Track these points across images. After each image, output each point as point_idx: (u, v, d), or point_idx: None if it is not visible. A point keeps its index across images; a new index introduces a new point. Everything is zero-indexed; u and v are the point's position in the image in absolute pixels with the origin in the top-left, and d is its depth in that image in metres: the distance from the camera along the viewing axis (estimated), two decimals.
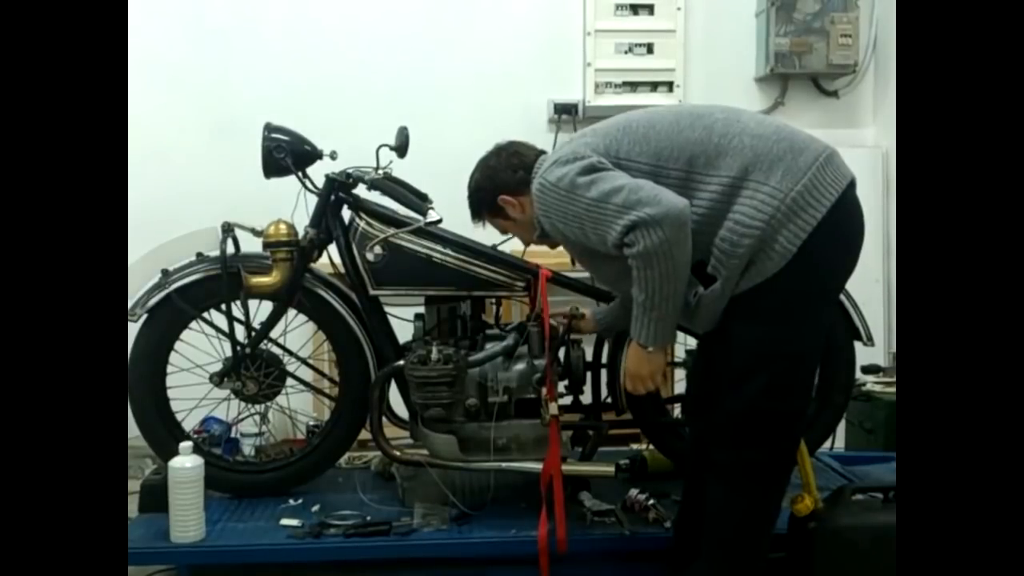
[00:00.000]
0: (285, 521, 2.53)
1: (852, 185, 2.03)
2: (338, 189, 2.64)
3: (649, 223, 1.91)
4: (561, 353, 2.64)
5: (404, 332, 2.73)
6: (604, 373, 2.74)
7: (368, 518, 2.53)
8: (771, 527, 2.13)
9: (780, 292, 1.96)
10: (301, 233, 2.64)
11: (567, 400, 2.70)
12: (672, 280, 1.94)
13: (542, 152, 2.29)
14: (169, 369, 2.69)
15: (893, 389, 3.36)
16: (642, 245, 1.92)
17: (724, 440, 2.07)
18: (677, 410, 2.90)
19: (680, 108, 2.15)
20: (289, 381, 2.78)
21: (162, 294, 2.62)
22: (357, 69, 4.07)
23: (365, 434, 2.71)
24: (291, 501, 2.68)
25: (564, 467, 2.42)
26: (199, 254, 2.67)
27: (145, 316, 2.63)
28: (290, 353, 2.81)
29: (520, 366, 2.58)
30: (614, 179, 1.99)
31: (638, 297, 1.98)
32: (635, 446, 3.19)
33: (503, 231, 2.46)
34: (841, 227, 1.99)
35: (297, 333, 2.90)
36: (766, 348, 1.98)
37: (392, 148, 2.63)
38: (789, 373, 2.01)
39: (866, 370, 3.44)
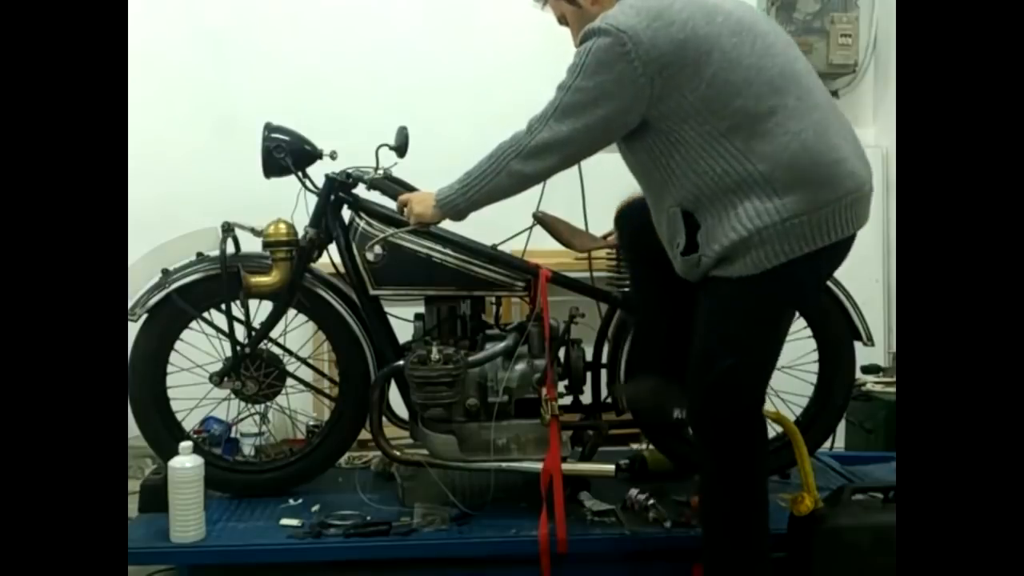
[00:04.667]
0: (285, 521, 2.53)
1: (856, 230, 2.01)
2: (338, 189, 2.64)
3: (522, 144, 2.05)
4: (561, 353, 2.64)
5: (404, 332, 2.73)
6: (604, 373, 2.74)
7: (368, 518, 2.53)
8: (764, 508, 2.10)
9: (748, 297, 1.97)
10: (301, 233, 2.64)
11: (567, 400, 2.70)
12: (493, 191, 2.14)
13: None
14: (169, 369, 2.69)
15: (893, 389, 3.36)
16: (506, 143, 2.09)
17: (697, 420, 2.11)
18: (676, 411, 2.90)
19: (775, 57, 1.92)
20: (289, 381, 2.78)
21: (162, 294, 2.62)
22: (357, 68, 4.07)
23: (365, 434, 2.71)
24: (291, 501, 2.68)
25: (564, 467, 2.42)
26: (199, 254, 2.67)
27: (145, 316, 2.63)
28: (290, 353, 2.81)
29: (520, 366, 2.58)
30: (586, 88, 1.94)
31: (470, 172, 2.17)
32: (635, 446, 3.18)
33: (560, 17, 2.23)
34: (822, 263, 2.01)
35: (297, 333, 2.90)
36: (737, 339, 1.99)
37: (392, 148, 2.63)
38: (754, 364, 2.04)
39: (866, 370, 3.44)
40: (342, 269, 2.65)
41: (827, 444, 2.88)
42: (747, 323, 1.99)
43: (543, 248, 2.76)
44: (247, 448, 2.99)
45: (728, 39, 1.90)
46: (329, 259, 2.70)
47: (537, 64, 4.14)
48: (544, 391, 2.50)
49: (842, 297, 2.67)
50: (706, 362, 2.01)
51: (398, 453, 2.64)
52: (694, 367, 2.06)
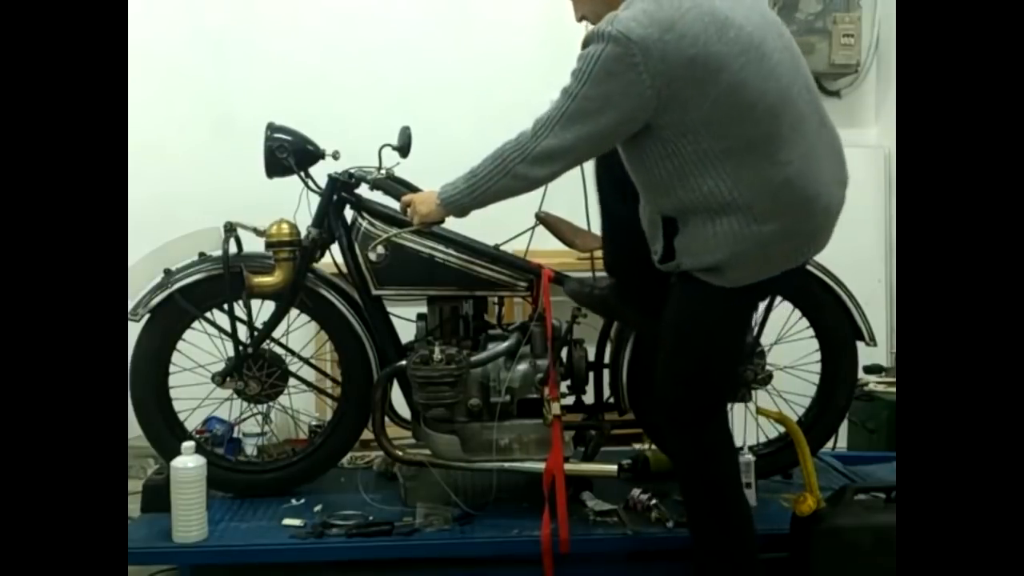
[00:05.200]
0: (287, 521, 2.53)
1: (818, 253, 2.15)
2: (340, 189, 2.64)
3: (528, 149, 2.00)
4: (563, 353, 2.64)
5: (406, 332, 2.73)
6: (607, 373, 2.74)
7: (370, 518, 2.53)
8: (740, 493, 2.15)
9: (720, 300, 2.02)
10: (303, 233, 2.64)
11: (569, 400, 2.70)
12: (499, 191, 2.09)
13: None
14: (171, 369, 2.70)
15: (895, 389, 3.35)
16: (511, 145, 2.03)
17: (671, 409, 2.13)
18: None
19: (779, 80, 1.92)
20: (291, 381, 2.78)
21: (165, 294, 2.62)
22: (358, 68, 4.07)
23: (367, 434, 2.71)
24: (293, 501, 2.68)
25: (567, 467, 2.43)
26: (202, 254, 2.67)
27: (148, 316, 2.63)
28: (292, 353, 2.81)
29: (522, 366, 2.58)
30: (592, 97, 1.91)
31: (474, 170, 2.12)
32: (637, 446, 3.18)
33: None
34: (791, 276, 2.08)
35: (299, 333, 2.90)
36: (708, 329, 2.07)
37: (395, 148, 2.63)
38: (723, 350, 2.12)
39: (868, 370, 3.44)
40: (344, 269, 2.65)
41: (829, 444, 2.88)
42: (719, 319, 2.06)
43: (545, 248, 2.76)
44: (249, 448, 2.99)
45: (736, 59, 1.87)
46: (331, 259, 2.70)
47: (537, 64, 4.16)
48: (546, 391, 2.50)
49: (844, 297, 2.67)
50: (678, 350, 2.09)
51: (400, 453, 2.64)
52: (665, 355, 2.13)
